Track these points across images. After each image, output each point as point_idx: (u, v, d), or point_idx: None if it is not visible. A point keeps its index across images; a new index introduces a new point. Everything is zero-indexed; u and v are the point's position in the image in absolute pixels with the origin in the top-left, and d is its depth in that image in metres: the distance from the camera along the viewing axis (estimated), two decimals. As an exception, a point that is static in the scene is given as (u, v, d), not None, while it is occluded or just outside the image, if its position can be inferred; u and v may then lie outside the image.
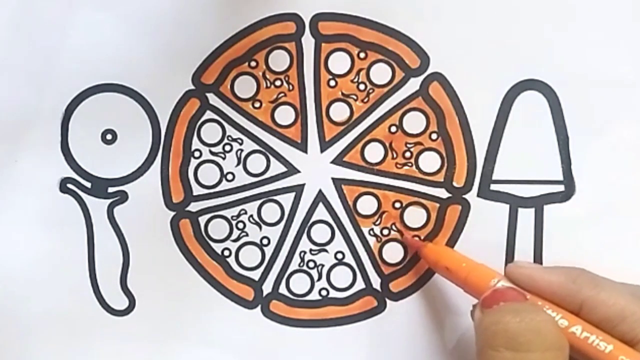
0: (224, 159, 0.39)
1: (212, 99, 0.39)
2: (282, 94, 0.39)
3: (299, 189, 0.39)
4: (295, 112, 0.39)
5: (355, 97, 0.39)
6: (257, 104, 0.39)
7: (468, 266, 0.35)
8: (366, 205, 0.39)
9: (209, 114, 0.39)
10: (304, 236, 0.39)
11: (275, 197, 0.39)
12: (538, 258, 0.38)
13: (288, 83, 0.39)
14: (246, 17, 0.39)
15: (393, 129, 0.39)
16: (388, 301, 0.39)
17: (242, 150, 0.39)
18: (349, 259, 0.39)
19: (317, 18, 0.39)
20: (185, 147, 0.39)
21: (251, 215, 0.39)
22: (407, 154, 0.39)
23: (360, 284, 0.39)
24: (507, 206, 0.38)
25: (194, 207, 0.39)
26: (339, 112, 0.39)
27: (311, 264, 0.39)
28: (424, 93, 0.39)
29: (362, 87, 0.39)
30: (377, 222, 0.39)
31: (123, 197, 0.39)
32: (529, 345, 0.29)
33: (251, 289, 0.39)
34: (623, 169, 0.38)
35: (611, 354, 0.31)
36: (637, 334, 0.31)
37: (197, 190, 0.39)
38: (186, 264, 0.39)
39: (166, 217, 0.39)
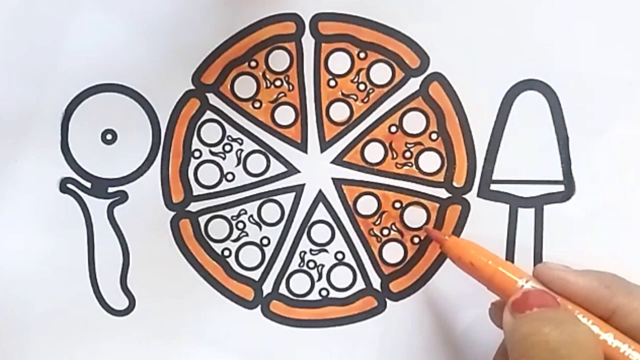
0: (224, 159, 0.39)
1: (212, 99, 0.39)
2: (282, 94, 0.39)
3: (299, 189, 0.39)
4: (295, 112, 0.39)
5: (355, 97, 0.39)
6: (257, 104, 0.39)
7: (495, 263, 0.34)
8: (366, 205, 0.39)
9: (209, 114, 0.39)
10: (304, 236, 0.39)
11: (275, 197, 0.39)
12: (538, 258, 0.38)
13: (288, 83, 0.39)
14: (246, 17, 0.39)
15: (393, 129, 0.39)
16: (388, 301, 0.39)
17: (242, 150, 0.39)
18: (349, 259, 0.39)
19: (317, 18, 0.39)
20: (185, 147, 0.39)
21: (251, 215, 0.39)
22: (407, 154, 0.39)
23: (360, 284, 0.39)
24: (507, 206, 0.38)
25: (194, 207, 0.39)
26: (339, 112, 0.39)
27: (311, 264, 0.39)
28: (424, 93, 0.39)
29: (362, 87, 0.39)
30: (377, 222, 0.39)
31: (123, 197, 0.39)
32: (570, 358, 0.29)
33: (251, 289, 0.39)
34: (623, 169, 0.38)
35: None
36: None
37: (197, 190, 0.39)
38: (186, 264, 0.39)
39: (166, 217, 0.39)
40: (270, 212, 0.39)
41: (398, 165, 0.39)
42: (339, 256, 0.39)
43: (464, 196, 0.39)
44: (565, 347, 0.29)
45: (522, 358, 0.29)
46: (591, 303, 0.32)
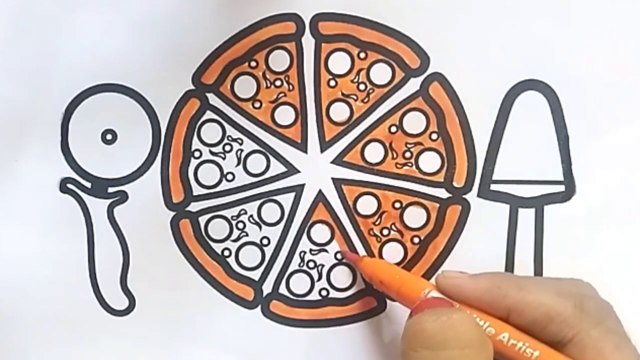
0: (224, 159, 0.39)
1: (212, 99, 0.39)
2: (282, 94, 0.39)
3: (299, 189, 0.39)
4: (295, 112, 0.39)
5: (355, 97, 0.39)
6: (257, 104, 0.39)
7: (401, 278, 0.35)
8: (366, 205, 0.39)
9: (209, 114, 0.39)
10: (304, 236, 0.39)
11: (275, 197, 0.39)
12: (538, 258, 0.38)
13: (288, 83, 0.39)
14: (246, 17, 0.39)
15: (393, 129, 0.39)
16: (388, 301, 0.39)
17: (242, 150, 0.39)
18: (349, 259, 0.39)
19: (317, 18, 0.39)
20: (185, 147, 0.39)
21: (251, 215, 0.39)
22: (407, 154, 0.39)
23: (360, 284, 0.39)
24: (508, 206, 0.38)
25: (194, 207, 0.39)
26: (339, 112, 0.39)
27: (311, 264, 0.39)
28: (424, 93, 0.39)
29: (362, 87, 0.39)
30: (377, 222, 0.39)
31: (123, 197, 0.39)
32: (445, 343, 0.29)
33: (251, 289, 0.39)
34: (623, 169, 0.38)
35: None
36: (566, 334, 0.31)
37: (197, 190, 0.39)
38: (186, 264, 0.39)
39: (166, 217, 0.39)
40: (270, 212, 0.39)
41: (398, 165, 0.39)
42: (339, 256, 0.39)
43: (464, 196, 0.39)
44: (440, 333, 0.30)
45: (406, 348, 0.30)
46: (487, 305, 0.32)
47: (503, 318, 0.32)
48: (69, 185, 0.39)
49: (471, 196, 0.39)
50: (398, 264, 0.39)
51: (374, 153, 0.39)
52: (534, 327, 0.32)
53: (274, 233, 0.39)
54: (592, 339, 0.31)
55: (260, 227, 0.39)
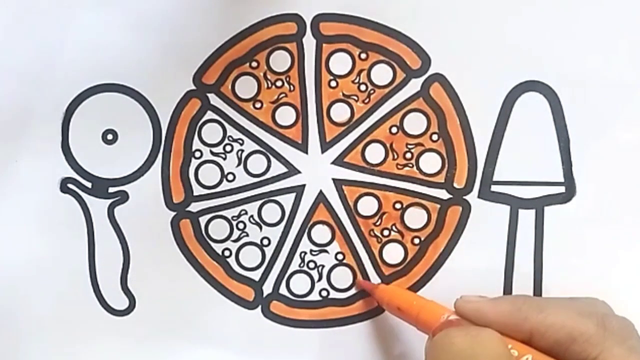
0: (224, 159, 0.39)
1: (213, 99, 0.39)
2: (283, 95, 0.39)
3: (299, 190, 0.39)
4: (296, 112, 0.39)
5: (356, 98, 0.39)
6: (258, 105, 0.39)
7: (418, 304, 0.35)
8: (367, 206, 0.39)
9: (209, 114, 0.39)
10: (305, 237, 0.39)
11: (275, 198, 0.39)
12: (538, 259, 0.38)
13: (289, 83, 0.39)
14: (247, 17, 0.39)
15: (394, 129, 0.39)
16: (388, 302, 0.39)
17: (242, 150, 0.39)
18: (350, 259, 0.39)
19: (319, 18, 0.39)
20: (186, 147, 0.39)
21: (252, 216, 0.39)
22: (408, 155, 0.39)
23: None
24: (508, 207, 0.38)
25: (194, 207, 0.39)
26: (340, 112, 0.39)
27: (311, 265, 0.39)
28: (425, 94, 0.39)
29: (363, 87, 0.39)
30: (378, 223, 0.39)
31: (124, 197, 0.39)
32: (475, 358, 0.29)
33: (251, 289, 0.39)
34: (624, 171, 0.38)
35: None
36: (589, 354, 0.31)
37: (197, 190, 0.39)
38: (186, 264, 0.39)
39: (167, 217, 0.39)
40: (271, 212, 0.39)
41: (399, 166, 0.39)
42: (339, 257, 0.39)
43: (464, 197, 0.39)
44: (470, 347, 0.30)
45: None
46: (509, 328, 0.32)
47: (525, 341, 0.32)
48: (70, 185, 0.39)
49: (472, 197, 0.39)
50: (398, 264, 0.39)
51: (374, 154, 0.39)
52: (557, 348, 0.31)
53: (275, 233, 0.39)
54: (616, 357, 0.31)
55: (260, 228, 0.39)
